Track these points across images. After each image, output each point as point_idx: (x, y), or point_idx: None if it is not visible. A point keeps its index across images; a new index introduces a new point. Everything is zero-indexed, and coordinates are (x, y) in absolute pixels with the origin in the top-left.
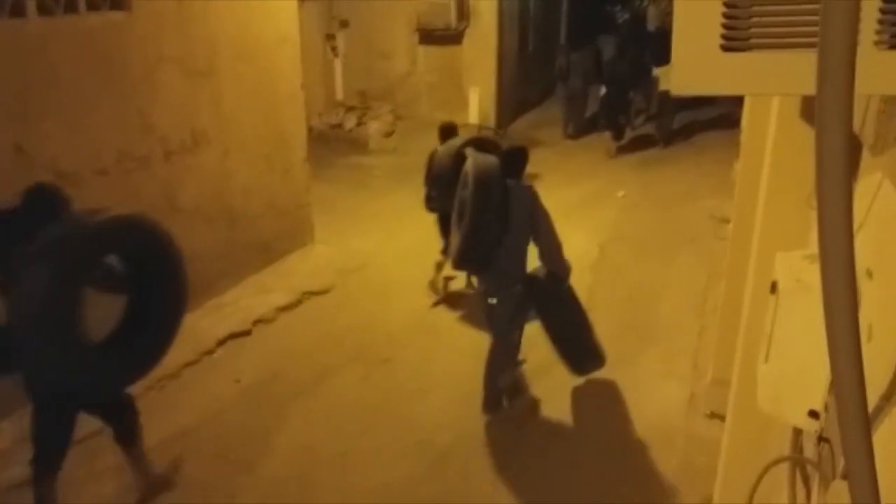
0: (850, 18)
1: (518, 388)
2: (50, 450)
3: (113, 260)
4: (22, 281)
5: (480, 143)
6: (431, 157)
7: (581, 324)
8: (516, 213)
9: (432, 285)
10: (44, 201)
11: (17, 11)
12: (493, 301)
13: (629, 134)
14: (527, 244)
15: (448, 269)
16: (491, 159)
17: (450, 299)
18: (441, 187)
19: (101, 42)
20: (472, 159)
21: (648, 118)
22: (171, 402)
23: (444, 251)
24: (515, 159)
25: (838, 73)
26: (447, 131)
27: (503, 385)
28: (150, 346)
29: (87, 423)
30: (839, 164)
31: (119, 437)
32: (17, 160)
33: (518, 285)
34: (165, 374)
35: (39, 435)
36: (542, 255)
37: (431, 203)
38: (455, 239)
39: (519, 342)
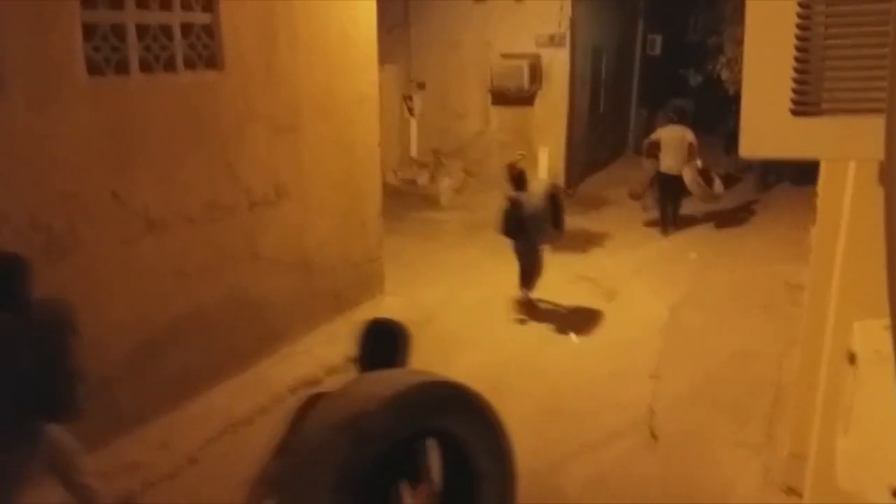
0: None
1: None
2: None
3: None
4: None
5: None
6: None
7: None
8: None
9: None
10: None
11: (121, 69)
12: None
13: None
14: None
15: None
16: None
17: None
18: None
19: (196, 98)
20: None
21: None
22: (245, 446)
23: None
24: None
25: None
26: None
27: None
28: None
29: None
30: None
31: None
32: (112, 206)
33: None
34: (239, 419)
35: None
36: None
37: None
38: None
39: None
